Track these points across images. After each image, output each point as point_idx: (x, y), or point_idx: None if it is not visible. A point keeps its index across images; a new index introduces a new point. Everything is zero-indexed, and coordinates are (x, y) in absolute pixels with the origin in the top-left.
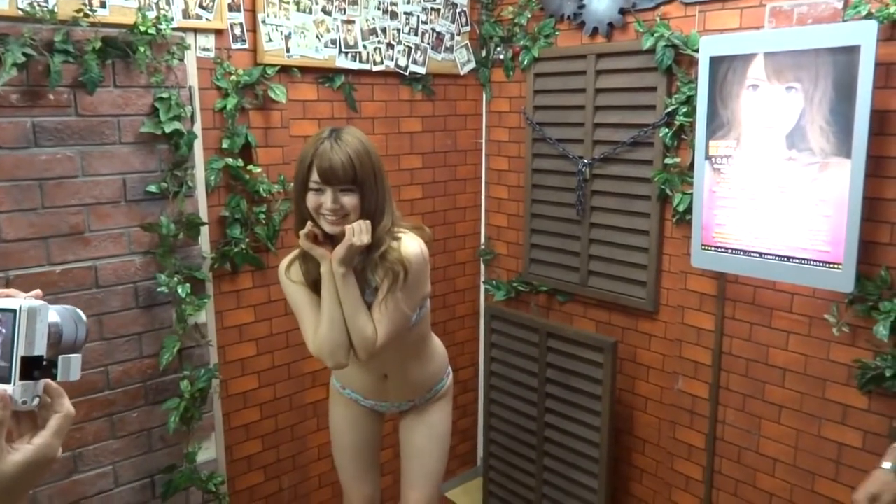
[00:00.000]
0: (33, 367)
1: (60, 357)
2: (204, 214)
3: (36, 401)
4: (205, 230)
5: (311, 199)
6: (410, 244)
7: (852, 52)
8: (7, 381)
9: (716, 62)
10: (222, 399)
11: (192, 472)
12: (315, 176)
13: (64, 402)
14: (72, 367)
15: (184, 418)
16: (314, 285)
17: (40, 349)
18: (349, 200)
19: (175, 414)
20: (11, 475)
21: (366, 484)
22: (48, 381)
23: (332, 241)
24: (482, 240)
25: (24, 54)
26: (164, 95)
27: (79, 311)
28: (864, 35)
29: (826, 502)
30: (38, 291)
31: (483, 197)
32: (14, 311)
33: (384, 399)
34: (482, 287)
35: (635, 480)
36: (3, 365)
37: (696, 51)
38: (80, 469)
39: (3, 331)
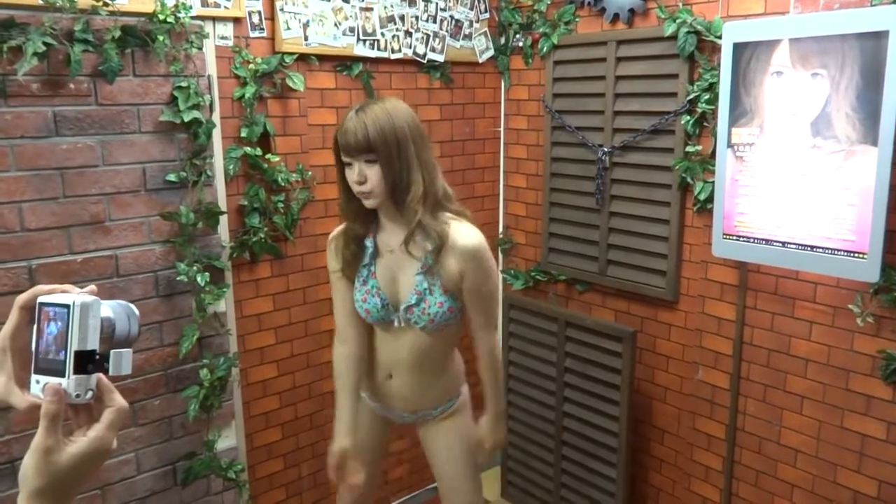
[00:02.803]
0: (87, 362)
1: (112, 351)
2: (223, 203)
3: (89, 394)
4: (224, 219)
5: (347, 176)
6: (468, 233)
7: (880, 37)
8: (61, 374)
9: (739, 48)
10: (242, 388)
11: (212, 460)
12: (341, 147)
13: (115, 397)
14: (123, 361)
15: (203, 406)
16: (349, 263)
17: (93, 344)
18: (372, 174)
19: (195, 402)
20: (68, 467)
21: (364, 485)
22: (100, 375)
23: (375, 214)
24: (500, 229)
25: (45, 43)
26: (183, 84)
27: (132, 305)
28: (892, 20)
29: (848, 494)
30: (92, 287)
31: (501, 186)
32: (68, 306)
33: (388, 404)
34: (500, 276)
35: (654, 470)
36: (58, 359)
37: (719, 37)
38: None
39: (58, 325)
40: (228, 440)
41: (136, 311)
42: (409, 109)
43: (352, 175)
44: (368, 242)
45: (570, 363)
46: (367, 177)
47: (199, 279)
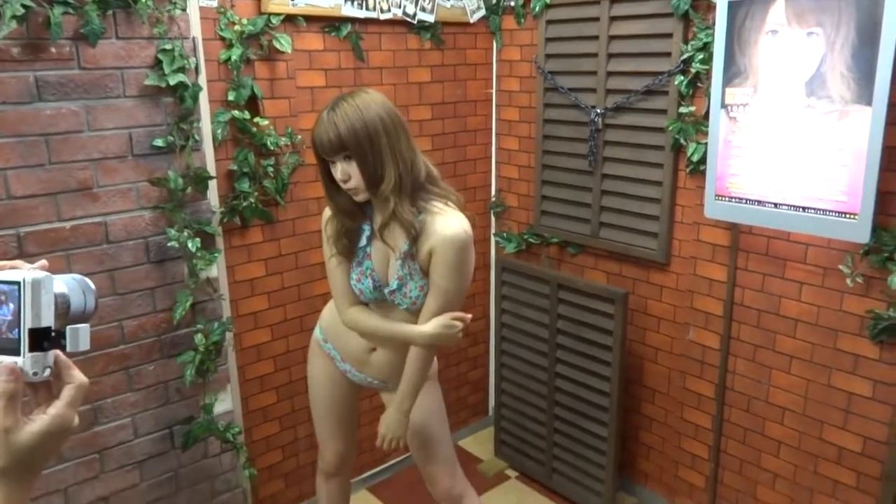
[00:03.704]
0: (42, 339)
1: (68, 328)
2: (212, 168)
3: (47, 371)
4: (213, 184)
5: (333, 174)
6: (450, 224)
7: None
8: (17, 353)
9: (734, 6)
10: (236, 352)
11: (210, 423)
12: (317, 150)
13: (74, 374)
14: (80, 336)
15: (199, 371)
16: (344, 253)
17: (48, 320)
18: (352, 170)
19: (191, 367)
20: (29, 445)
21: (339, 440)
22: (58, 352)
23: (366, 207)
24: (493, 192)
25: (23, 6)
26: (167, 47)
27: (87, 280)
28: None
29: (834, 450)
30: (43, 262)
31: (494, 148)
32: (18, 283)
33: (360, 369)
34: (493, 239)
35: (645, 429)
36: (12, 337)
37: None
38: (101, 421)
39: (10, 303)
40: (224, 404)
41: (92, 286)
42: (383, 99)
43: (336, 174)
44: (365, 226)
45: (562, 325)
46: (349, 174)
47: (190, 245)
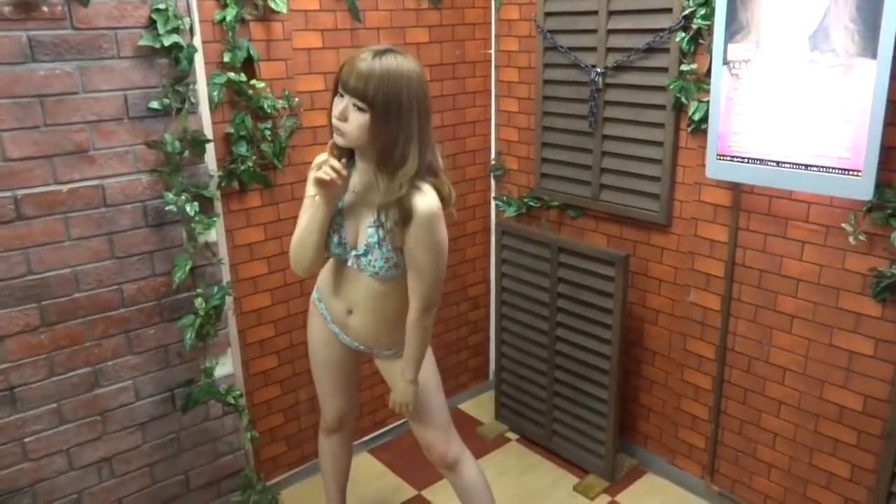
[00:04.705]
0: None
1: None
2: (208, 131)
3: None
4: (210, 147)
5: (334, 104)
6: (422, 200)
7: None
8: None
9: None
10: (236, 316)
11: (211, 386)
12: (339, 79)
13: None
14: None
15: (199, 335)
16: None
17: None
18: (355, 118)
19: (191, 330)
20: None
21: (339, 399)
22: None
23: (349, 154)
24: (492, 155)
25: None
26: (161, 6)
27: None
28: None
29: (834, 408)
30: None
31: (493, 111)
32: None
33: (345, 332)
34: (493, 203)
35: (645, 391)
36: None
37: None
38: (102, 384)
39: None
40: (225, 367)
41: None
42: (424, 76)
43: (336, 106)
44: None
45: (562, 288)
46: (348, 118)
47: (188, 209)
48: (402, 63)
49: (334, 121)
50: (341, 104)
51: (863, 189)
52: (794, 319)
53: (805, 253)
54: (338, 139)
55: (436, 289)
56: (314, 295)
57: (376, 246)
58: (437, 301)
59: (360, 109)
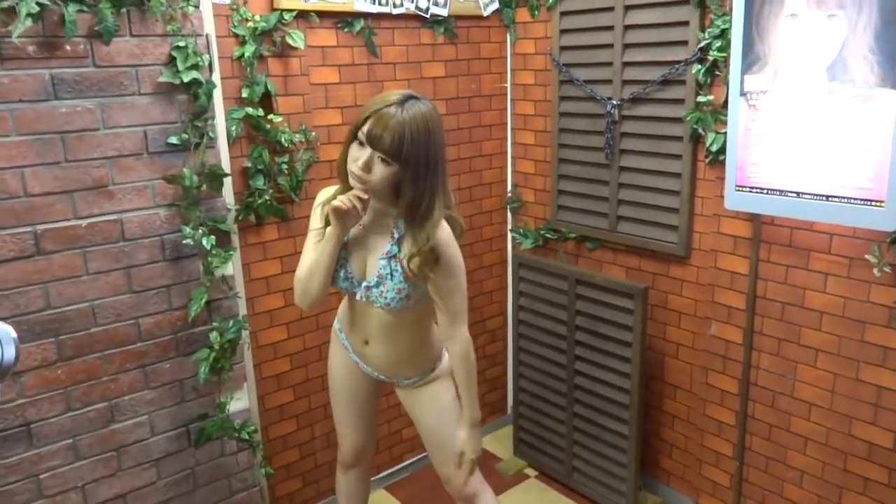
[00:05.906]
0: None
1: None
2: (226, 165)
3: None
4: (228, 182)
5: (352, 149)
6: (441, 237)
7: None
8: None
9: None
10: (252, 350)
11: (225, 421)
12: (365, 131)
13: None
14: None
15: (214, 369)
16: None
17: None
18: (380, 171)
19: (205, 364)
20: None
21: (356, 432)
22: None
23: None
24: (509, 187)
25: (38, 4)
26: (181, 44)
27: (9, 329)
28: None
29: (863, 446)
30: None
31: (509, 143)
32: None
33: (365, 362)
34: (509, 235)
35: (667, 426)
36: None
37: None
38: (118, 419)
39: None
40: (241, 402)
41: (13, 334)
42: (441, 122)
43: (359, 155)
44: None
45: (580, 321)
46: (373, 170)
47: (205, 242)
48: (426, 114)
49: (357, 171)
50: (364, 155)
51: (887, 220)
52: (819, 353)
53: (828, 285)
54: (356, 186)
55: (465, 301)
56: (336, 325)
57: (388, 277)
58: (467, 312)
59: (386, 163)
